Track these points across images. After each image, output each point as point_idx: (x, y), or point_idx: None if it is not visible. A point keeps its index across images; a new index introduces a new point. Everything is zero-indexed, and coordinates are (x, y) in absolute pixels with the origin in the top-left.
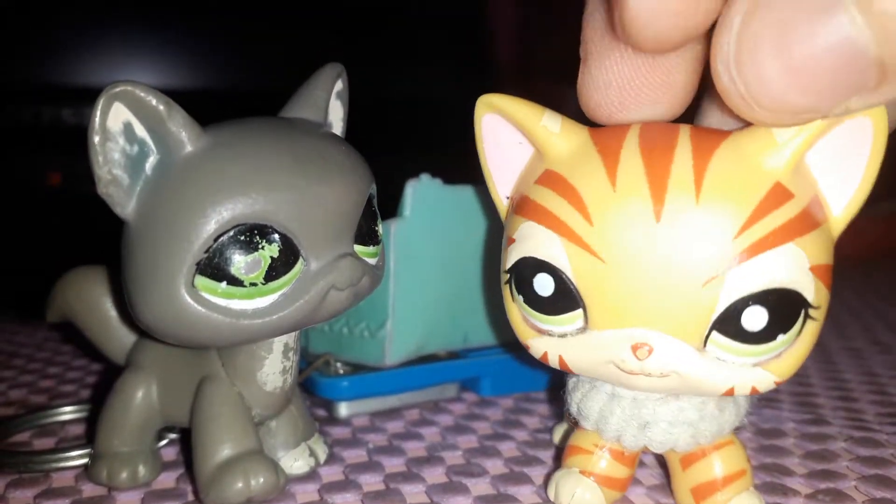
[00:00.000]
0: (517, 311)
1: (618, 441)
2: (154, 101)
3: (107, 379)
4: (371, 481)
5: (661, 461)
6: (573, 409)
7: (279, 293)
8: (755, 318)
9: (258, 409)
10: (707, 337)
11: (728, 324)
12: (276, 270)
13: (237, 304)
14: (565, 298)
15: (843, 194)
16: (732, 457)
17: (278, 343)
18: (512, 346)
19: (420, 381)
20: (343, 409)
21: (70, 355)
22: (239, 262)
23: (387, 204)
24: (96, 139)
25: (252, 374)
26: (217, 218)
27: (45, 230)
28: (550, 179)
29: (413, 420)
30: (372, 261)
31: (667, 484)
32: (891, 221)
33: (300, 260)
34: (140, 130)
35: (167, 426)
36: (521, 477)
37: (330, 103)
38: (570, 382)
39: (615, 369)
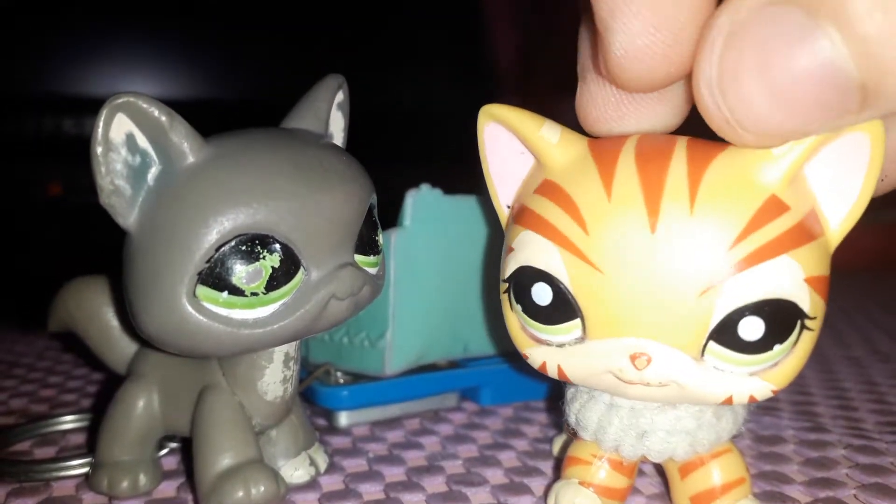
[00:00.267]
0: (515, 321)
1: (616, 451)
2: (156, 113)
3: (108, 388)
4: (371, 490)
5: (660, 470)
6: (571, 419)
7: (280, 303)
8: (751, 329)
9: (259, 419)
10: (704, 347)
11: (725, 334)
12: (277, 280)
13: (238, 314)
14: (563, 308)
15: (840, 207)
16: (731, 465)
17: (279, 352)
18: (512, 355)
19: (420, 391)
20: (343, 419)
21: (71, 365)
22: (240, 271)
23: (387, 214)
24: (99, 150)
25: (253, 384)
26: (218, 228)
27: (47, 240)
28: (548, 189)
29: (413, 429)
30: (372, 270)
31: (666, 493)
32: (890, 231)
33: (301, 270)
34: (142, 141)
35: (168, 435)
36: (521, 487)
37: (331, 114)
38: (569, 393)
39: (613, 379)
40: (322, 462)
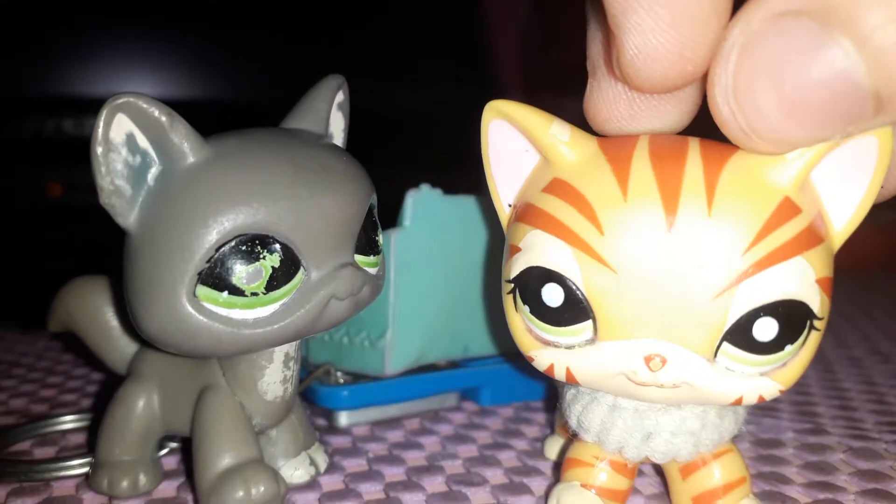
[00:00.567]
0: (520, 322)
1: (619, 453)
2: (157, 113)
3: (108, 388)
4: (371, 490)
5: (659, 469)
6: (573, 421)
7: (280, 303)
8: (766, 329)
9: (259, 419)
10: (718, 348)
11: (739, 335)
12: (277, 280)
13: (238, 314)
14: (574, 309)
15: (845, 210)
16: (732, 464)
17: (279, 352)
18: (512, 355)
19: (420, 391)
20: (343, 419)
21: (71, 365)
22: (240, 271)
23: (387, 214)
24: (99, 150)
25: (253, 384)
26: (219, 228)
27: (47, 240)
28: (559, 188)
29: (413, 429)
30: (372, 270)
31: (665, 493)
32: (891, 233)
33: (301, 270)
34: (143, 141)
35: (168, 435)
36: (521, 487)
37: (331, 114)
38: (569, 395)
39: (625, 381)
40: (322, 462)
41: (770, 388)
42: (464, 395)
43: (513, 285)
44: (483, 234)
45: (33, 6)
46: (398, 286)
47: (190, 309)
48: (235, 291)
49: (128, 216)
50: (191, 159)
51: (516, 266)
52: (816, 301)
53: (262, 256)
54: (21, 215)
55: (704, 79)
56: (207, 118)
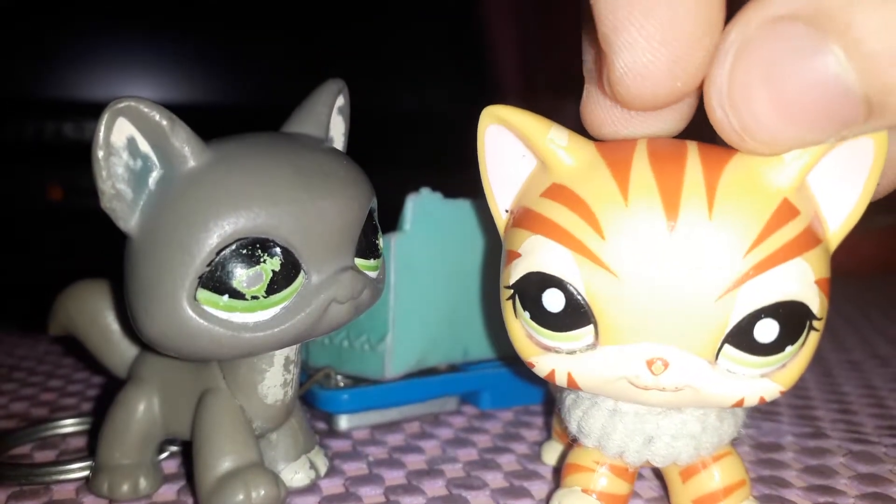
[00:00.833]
0: (520, 328)
1: (620, 457)
2: (157, 117)
3: (108, 392)
4: (371, 494)
5: (659, 473)
6: (573, 427)
7: (280, 306)
8: (767, 331)
9: (259, 422)
10: (719, 350)
11: (740, 336)
12: (277, 284)
13: (239, 317)
14: (575, 314)
15: (840, 211)
16: (732, 467)
17: (279, 356)
18: (512, 359)
19: (420, 395)
20: (343, 422)
21: (71, 368)
22: (241, 275)
23: (387, 217)
24: (100, 154)
25: (253, 387)
26: (219, 232)
27: (48, 243)
28: (558, 193)
29: (413, 433)
30: (373, 274)
31: (665, 496)
32: (890, 237)
33: (301, 273)
34: (143, 145)
35: (168, 439)
36: (521, 491)
37: (331, 118)
38: (569, 400)
39: (627, 385)
40: (322, 465)
41: (771, 389)
42: (464, 398)
43: (512, 291)
44: (484, 237)
45: (34, 8)
46: (398, 290)
47: (190, 312)
48: (236, 295)
49: (129, 220)
50: (192, 163)
51: (515, 272)
52: (816, 302)
53: (262, 260)
54: (21, 218)
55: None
56: (208, 122)
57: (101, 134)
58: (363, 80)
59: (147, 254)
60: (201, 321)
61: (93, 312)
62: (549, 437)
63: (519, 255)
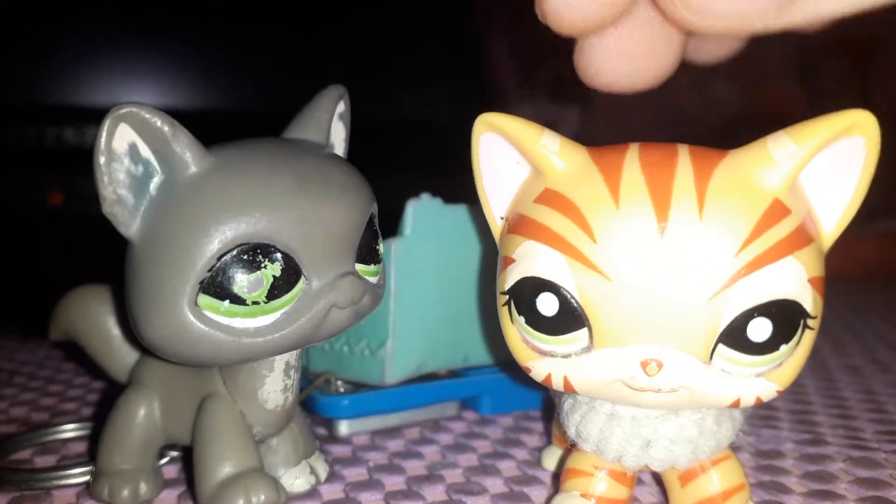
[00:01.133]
0: (516, 334)
1: (619, 461)
2: (159, 123)
3: (109, 397)
4: (371, 499)
5: (658, 478)
6: (571, 431)
7: (281, 312)
8: (760, 330)
9: (259, 427)
10: (713, 350)
11: (734, 336)
12: (278, 289)
13: (239, 323)
14: (569, 318)
15: (834, 210)
16: (731, 471)
17: (280, 361)
18: (511, 364)
19: (420, 400)
20: (343, 428)
21: (72, 373)
22: (241, 280)
23: (388, 223)
24: (102, 159)
25: (253, 393)
26: (220, 237)
27: (49, 249)
28: (550, 198)
29: (413, 438)
30: (373, 279)
31: (664, 501)
32: (889, 242)
33: (302, 279)
34: (145, 151)
35: (169, 444)
36: (521, 496)
37: (332, 124)
38: (567, 404)
39: (622, 387)
40: (322, 471)
41: (767, 388)
42: (464, 404)
43: (507, 296)
44: (483, 243)
45: (35, 13)
46: (398, 295)
47: (191, 318)
48: (237, 300)
49: (130, 225)
50: (193, 169)
51: (510, 277)
52: (809, 300)
53: (263, 265)
54: (22, 224)
55: (684, 43)
56: (209, 128)
57: (103, 139)
58: (364, 87)
59: (148, 259)
60: (202, 326)
61: (94, 317)
62: (549, 442)
63: (513, 261)
